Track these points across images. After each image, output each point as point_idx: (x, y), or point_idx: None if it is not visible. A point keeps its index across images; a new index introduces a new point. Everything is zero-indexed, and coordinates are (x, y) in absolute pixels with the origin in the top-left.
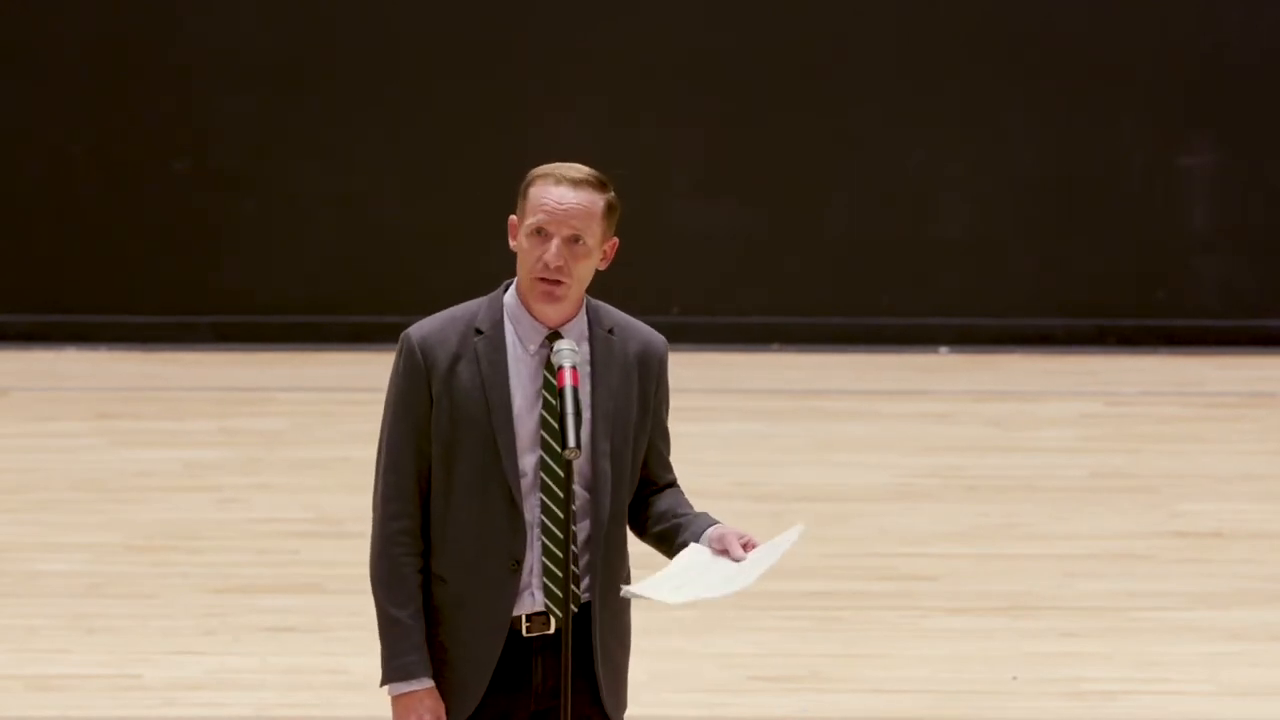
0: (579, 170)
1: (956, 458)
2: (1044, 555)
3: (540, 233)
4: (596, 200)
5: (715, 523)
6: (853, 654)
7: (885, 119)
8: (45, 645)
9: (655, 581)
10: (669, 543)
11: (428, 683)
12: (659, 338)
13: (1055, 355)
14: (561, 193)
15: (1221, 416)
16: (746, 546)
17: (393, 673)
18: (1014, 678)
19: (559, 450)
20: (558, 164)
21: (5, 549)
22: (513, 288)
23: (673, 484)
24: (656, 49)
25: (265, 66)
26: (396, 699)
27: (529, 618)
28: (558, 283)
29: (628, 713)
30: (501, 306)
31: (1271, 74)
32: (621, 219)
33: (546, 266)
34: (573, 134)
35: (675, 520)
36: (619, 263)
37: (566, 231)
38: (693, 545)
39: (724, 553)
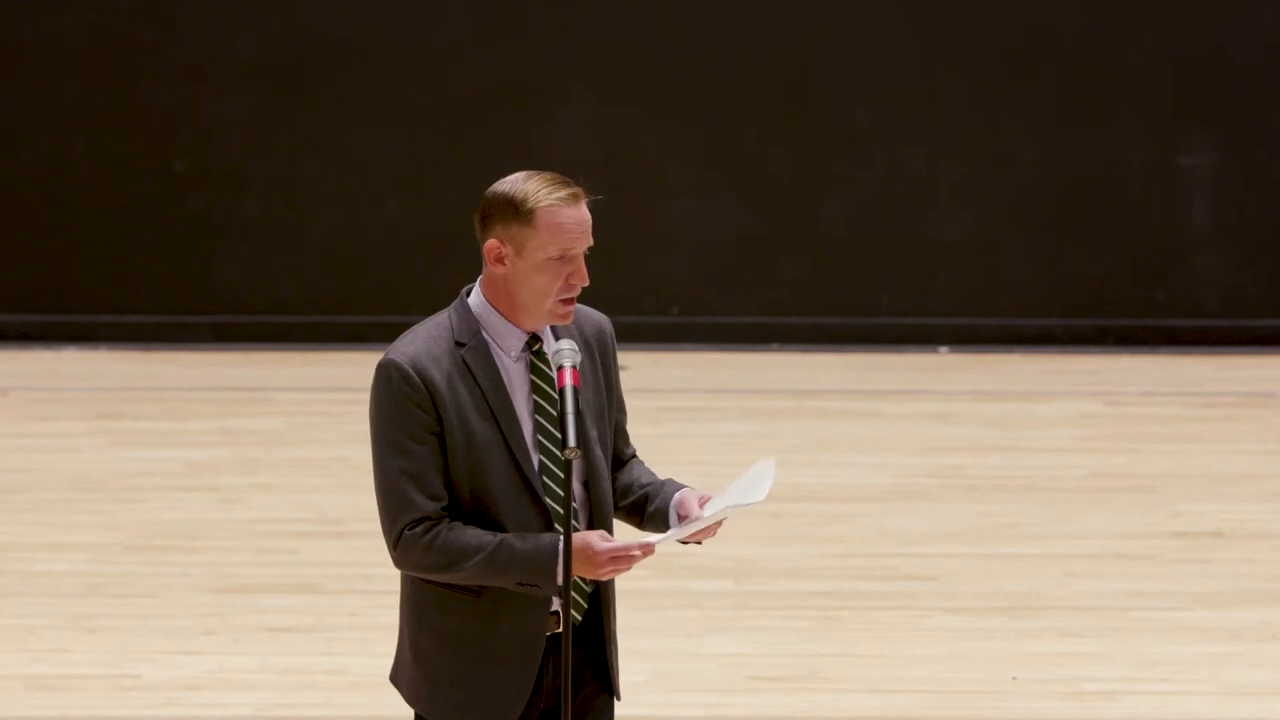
0: (566, 183)
1: (956, 458)
2: (1044, 555)
3: (563, 258)
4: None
5: (681, 487)
6: (853, 654)
7: (885, 119)
8: (45, 645)
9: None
10: (640, 514)
11: (554, 536)
12: (604, 316)
13: (1055, 355)
14: (576, 214)
15: (1221, 416)
16: (703, 504)
17: (543, 565)
18: (1014, 678)
19: (557, 451)
20: (539, 181)
21: (5, 549)
22: (478, 296)
23: (634, 456)
24: (656, 48)
25: (265, 66)
26: (576, 560)
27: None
28: (574, 297)
29: (627, 714)
30: (473, 315)
31: (1271, 73)
32: (621, 219)
33: (574, 286)
34: (573, 133)
35: (643, 490)
36: (619, 263)
37: (584, 247)
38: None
39: (685, 518)
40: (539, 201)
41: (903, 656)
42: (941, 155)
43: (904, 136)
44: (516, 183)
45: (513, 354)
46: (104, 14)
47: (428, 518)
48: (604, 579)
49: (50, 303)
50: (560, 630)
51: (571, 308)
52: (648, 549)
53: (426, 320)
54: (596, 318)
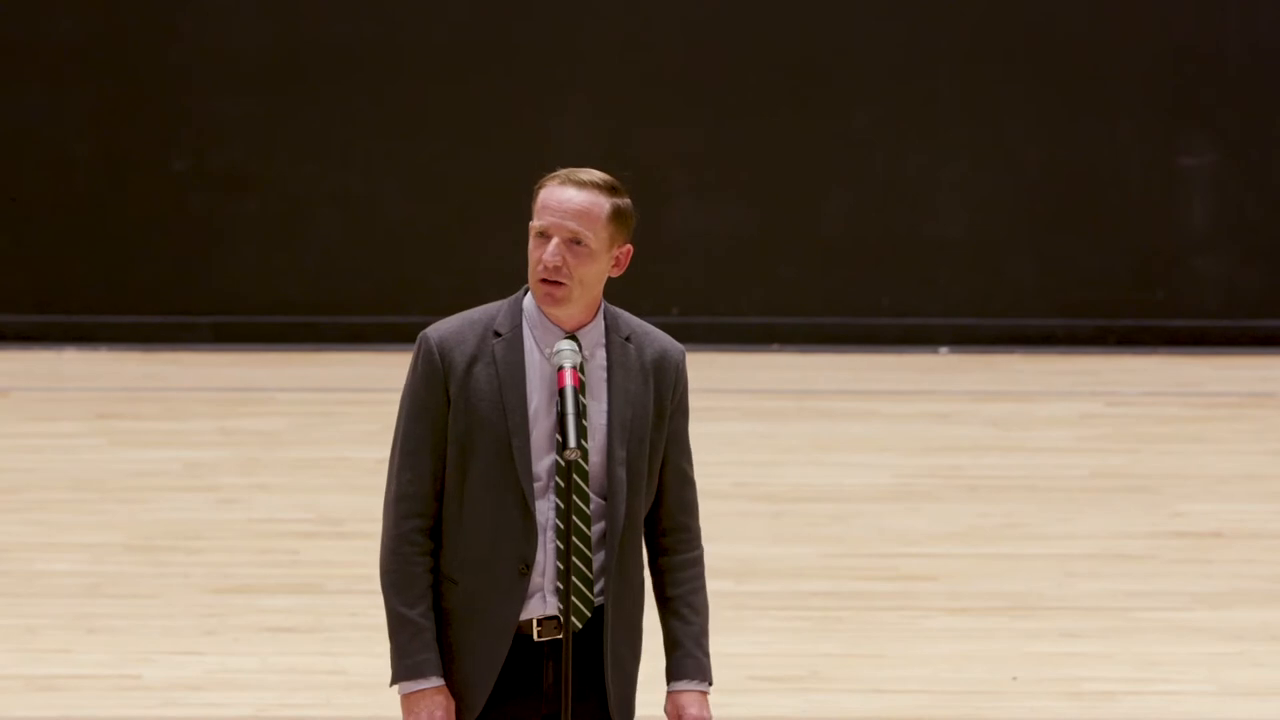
0: (588, 173)
1: (956, 458)
2: (1044, 555)
3: (543, 235)
4: (600, 202)
5: (685, 654)
6: (853, 654)
7: (885, 119)
8: (45, 645)
9: None
10: (663, 617)
11: (438, 681)
12: (676, 346)
13: (1055, 355)
14: (565, 194)
15: (1221, 416)
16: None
17: (404, 671)
18: (1014, 678)
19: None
20: (572, 169)
21: (5, 549)
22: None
23: (692, 554)
24: (657, 49)
25: (265, 66)
26: (406, 697)
27: (540, 622)
28: (557, 284)
29: None
30: (521, 310)
31: (1270, 74)
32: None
33: (545, 267)
34: (573, 134)
35: (673, 620)
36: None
37: (566, 233)
38: None
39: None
40: (546, 178)
41: (903, 656)
42: (942, 155)
43: (904, 136)
44: None
45: (549, 351)
46: (104, 14)
47: (412, 530)
48: None
49: (50, 303)
50: (559, 636)
51: (553, 290)
52: None
53: (482, 306)
54: (663, 344)
